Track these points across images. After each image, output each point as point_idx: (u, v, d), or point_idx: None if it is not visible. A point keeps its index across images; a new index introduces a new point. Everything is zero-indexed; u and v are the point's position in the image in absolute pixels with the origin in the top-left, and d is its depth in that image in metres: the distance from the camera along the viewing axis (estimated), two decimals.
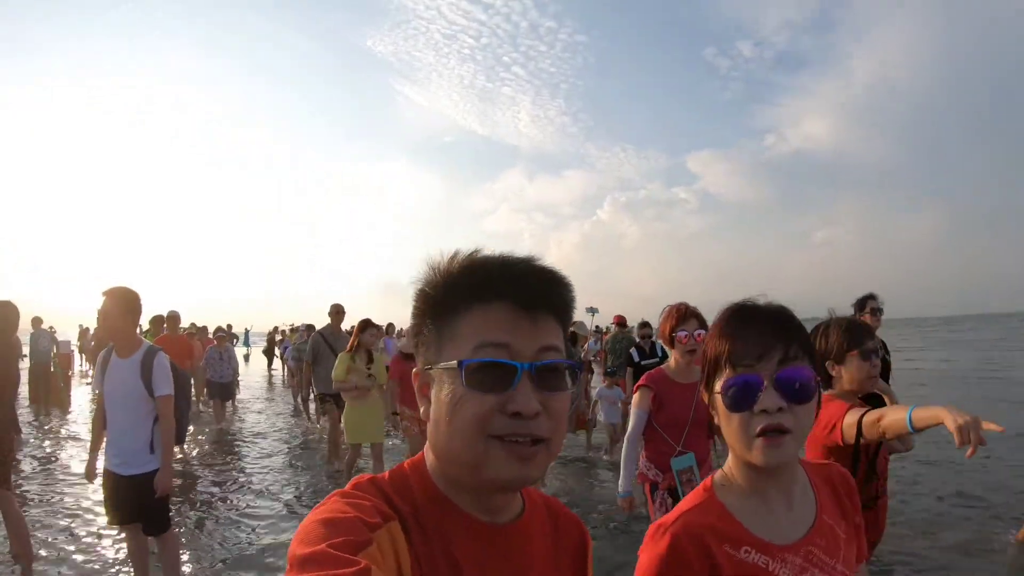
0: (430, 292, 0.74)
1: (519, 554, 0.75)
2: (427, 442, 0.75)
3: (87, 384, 14.86)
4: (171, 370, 3.28)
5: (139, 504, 3.22)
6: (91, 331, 13.91)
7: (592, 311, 10.73)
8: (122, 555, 4.06)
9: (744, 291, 1.00)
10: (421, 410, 0.75)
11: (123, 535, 3.66)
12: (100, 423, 3.35)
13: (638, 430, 3.00)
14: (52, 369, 12.24)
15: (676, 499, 2.81)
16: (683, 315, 2.92)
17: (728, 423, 0.93)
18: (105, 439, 3.32)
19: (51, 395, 11.92)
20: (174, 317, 7.85)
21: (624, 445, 3.06)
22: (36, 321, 12.98)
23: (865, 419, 2.00)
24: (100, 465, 3.39)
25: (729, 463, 1.00)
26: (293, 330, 16.28)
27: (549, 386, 0.70)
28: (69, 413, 11.09)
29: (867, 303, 4.42)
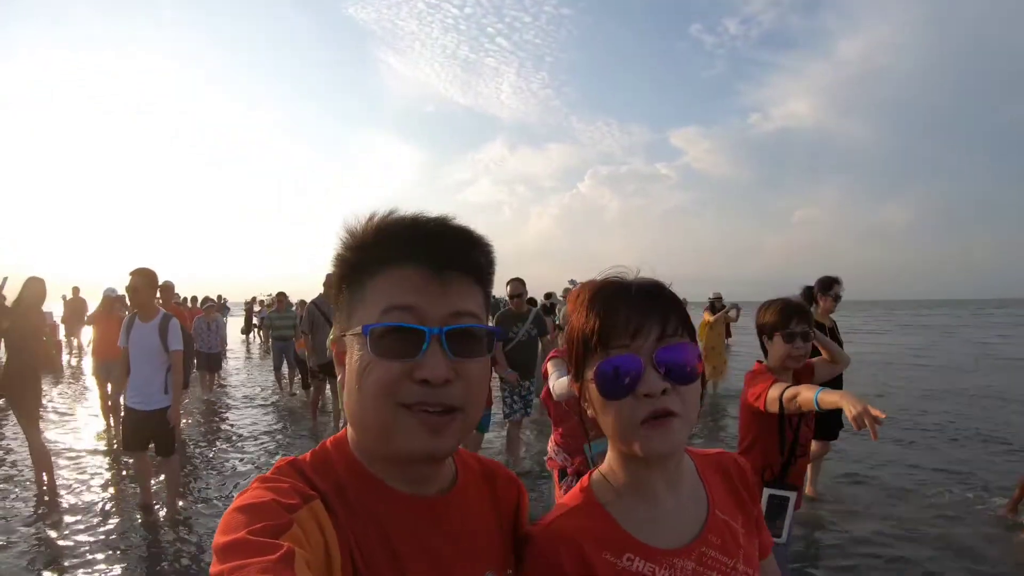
0: (345, 256, 0.71)
1: (452, 523, 0.72)
2: (345, 413, 0.72)
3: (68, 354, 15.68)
4: (180, 330, 4.38)
5: (153, 432, 4.35)
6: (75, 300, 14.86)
7: (573, 283, 11.79)
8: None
9: (724, 267, 1.15)
10: (338, 378, 0.73)
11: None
12: (124, 371, 4.43)
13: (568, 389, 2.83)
14: (43, 338, 13.08)
15: None
16: None
17: (605, 413, 0.82)
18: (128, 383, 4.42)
19: (42, 362, 12.70)
20: (168, 287, 7.82)
21: (555, 389, 3.00)
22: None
23: (784, 395, 2.30)
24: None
25: (609, 459, 0.90)
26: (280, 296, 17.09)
27: (463, 352, 0.66)
28: (61, 381, 11.88)
29: (833, 286, 4.49)
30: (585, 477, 0.93)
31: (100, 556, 3.78)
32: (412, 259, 0.67)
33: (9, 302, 5.34)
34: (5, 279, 5.12)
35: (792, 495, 2.37)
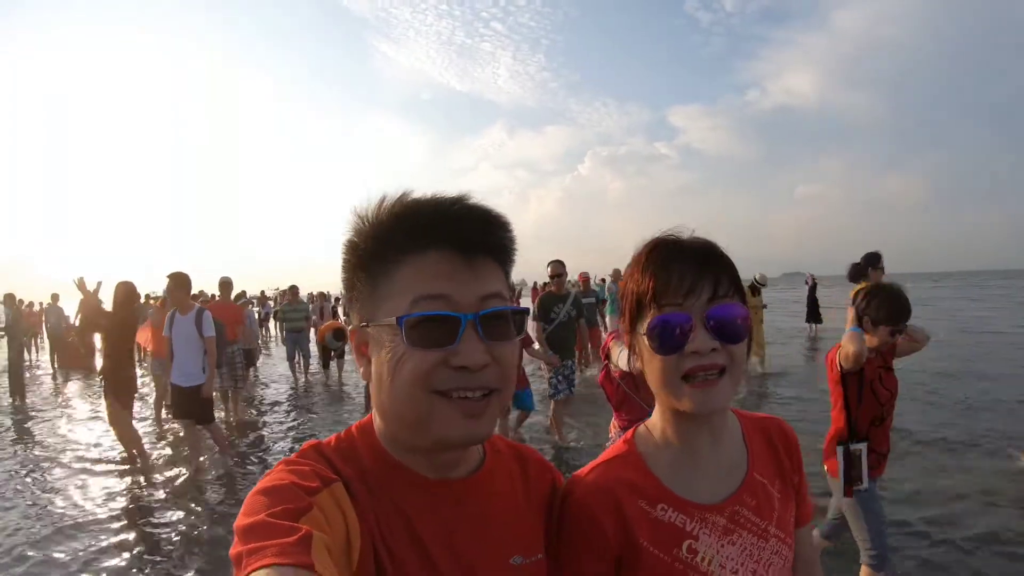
0: (360, 243, 0.70)
1: (476, 507, 0.73)
2: (372, 403, 0.73)
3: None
4: (213, 321, 5.41)
5: (194, 404, 5.38)
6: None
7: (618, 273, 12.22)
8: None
9: (729, 246, 0.88)
10: (360, 370, 0.73)
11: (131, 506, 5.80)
12: (169, 356, 5.45)
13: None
14: (70, 339, 14.13)
15: None
16: None
17: (653, 367, 0.84)
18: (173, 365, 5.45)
19: (70, 361, 13.78)
20: (226, 284, 7.82)
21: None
22: (54, 297, 14.89)
23: (840, 355, 2.72)
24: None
25: (655, 413, 0.92)
26: (282, 293, 17.24)
27: (496, 335, 0.67)
28: (90, 376, 12.64)
29: (880, 260, 4.97)
30: (631, 429, 0.95)
31: (170, 501, 4.91)
32: (438, 244, 0.66)
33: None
34: (99, 283, 5.93)
35: (862, 446, 2.72)
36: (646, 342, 0.84)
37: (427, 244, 0.67)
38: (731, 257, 0.87)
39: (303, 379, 10.84)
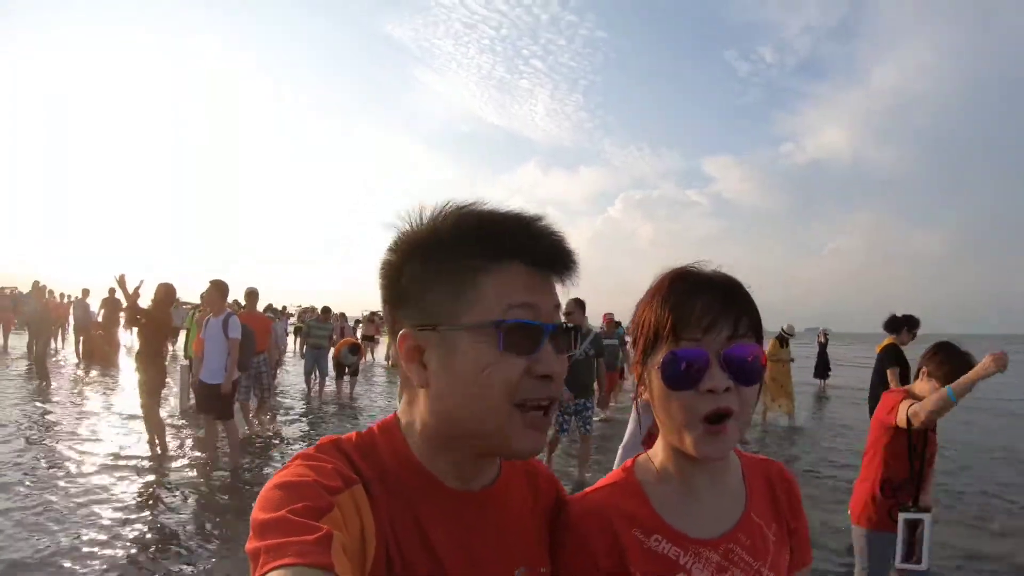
0: (429, 246, 0.69)
1: (490, 519, 0.73)
2: (408, 405, 0.73)
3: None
4: (240, 325, 5.95)
5: (215, 399, 5.83)
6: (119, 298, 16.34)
7: None
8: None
9: (755, 295, 0.85)
10: (414, 378, 0.70)
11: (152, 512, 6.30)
12: (200, 353, 5.99)
13: (636, 435, 2.63)
14: (94, 332, 14.82)
15: None
16: None
17: (665, 403, 0.81)
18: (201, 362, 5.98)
19: (94, 355, 14.36)
20: (253, 294, 7.97)
21: (619, 455, 2.76)
22: (85, 292, 15.63)
23: (910, 411, 2.55)
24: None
25: (657, 445, 0.92)
26: (304, 310, 17.57)
27: (561, 348, 0.70)
28: (112, 369, 13.30)
29: (918, 326, 5.38)
30: (631, 459, 0.95)
31: (188, 488, 5.31)
32: (522, 257, 0.68)
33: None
34: (141, 282, 6.43)
35: (927, 516, 2.52)
36: (656, 376, 0.82)
37: (512, 255, 0.68)
38: (755, 300, 0.85)
39: (317, 394, 11.12)
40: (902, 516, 2.53)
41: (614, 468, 2.46)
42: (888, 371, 5.48)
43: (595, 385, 6.28)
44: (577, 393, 5.78)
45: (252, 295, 7.91)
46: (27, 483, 5.18)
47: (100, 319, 15.97)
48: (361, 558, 0.60)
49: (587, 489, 0.92)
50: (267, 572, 0.49)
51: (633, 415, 2.75)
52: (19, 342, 16.32)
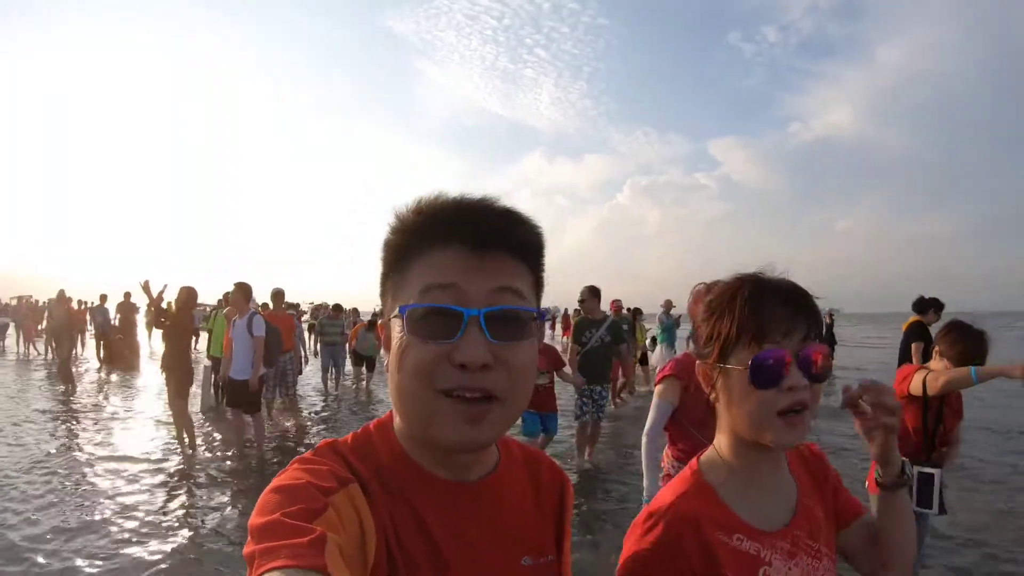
0: (389, 239, 0.70)
1: (486, 509, 0.72)
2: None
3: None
4: (264, 323, 6.22)
5: (243, 394, 6.15)
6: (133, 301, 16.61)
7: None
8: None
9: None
10: (386, 364, 0.71)
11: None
12: (229, 352, 6.28)
13: (660, 424, 2.68)
14: (114, 337, 15.18)
15: None
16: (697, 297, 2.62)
17: (746, 401, 0.89)
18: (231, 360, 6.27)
19: (115, 359, 14.75)
20: (278, 294, 8.26)
21: (644, 442, 2.72)
22: (102, 298, 15.98)
23: (927, 377, 2.64)
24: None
25: (719, 444, 0.97)
26: (316, 307, 17.55)
27: (504, 335, 0.64)
28: (133, 372, 13.61)
29: (941, 310, 5.60)
30: (694, 460, 0.99)
31: (217, 476, 5.64)
32: (453, 238, 0.65)
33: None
34: (164, 286, 6.71)
35: (937, 472, 2.70)
36: (738, 376, 0.89)
37: (444, 238, 0.66)
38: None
39: (334, 388, 11.34)
40: (916, 468, 2.73)
41: (643, 453, 2.63)
42: (912, 345, 5.81)
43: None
44: (592, 380, 5.79)
45: (278, 295, 8.24)
46: (61, 474, 5.49)
47: (117, 323, 16.23)
48: (362, 555, 0.60)
49: (663, 496, 0.95)
50: (261, 575, 0.49)
51: (656, 401, 2.71)
52: (41, 349, 16.78)
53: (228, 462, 6.12)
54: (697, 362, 0.99)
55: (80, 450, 6.53)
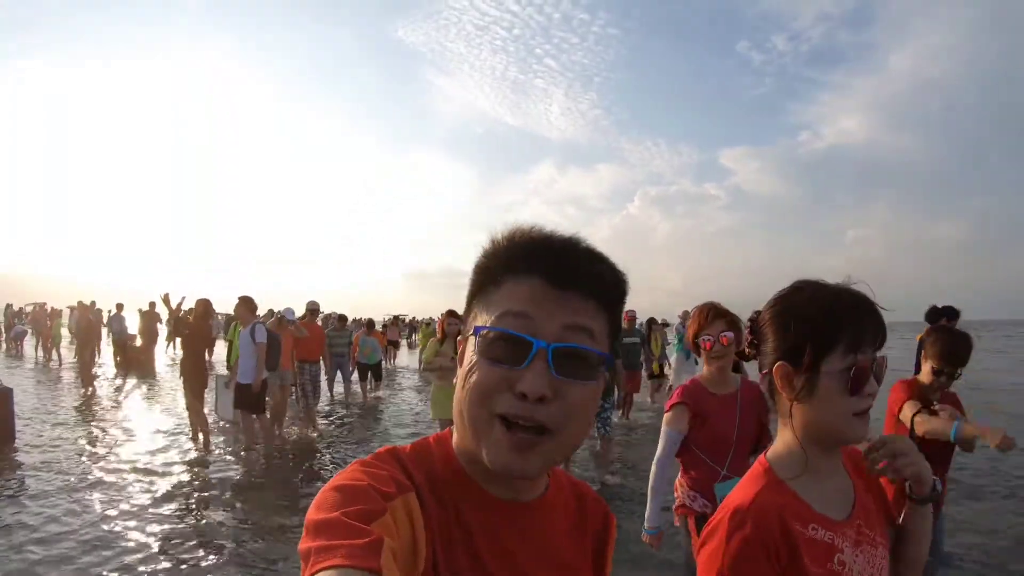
0: (481, 262, 0.73)
1: (538, 530, 0.73)
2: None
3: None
4: (265, 331, 7.01)
5: (247, 396, 6.90)
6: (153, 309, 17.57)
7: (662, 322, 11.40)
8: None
9: (773, 288, 1.00)
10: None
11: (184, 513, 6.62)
12: (236, 359, 7.12)
13: (670, 453, 2.58)
14: (132, 343, 16.21)
15: None
16: (708, 317, 2.56)
17: (835, 404, 0.95)
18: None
19: (131, 365, 15.52)
20: (314, 309, 8.67)
21: (653, 469, 2.64)
22: (119, 306, 16.96)
23: (916, 419, 2.53)
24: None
25: (784, 441, 1.03)
26: (325, 318, 17.60)
27: (569, 372, 0.65)
28: (150, 377, 14.38)
29: (956, 319, 5.25)
30: (762, 457, 1.06)
31: (231, 472, 6.41)
32: (537, 270, 0.67)
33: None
34: (183, 299, 7.45)
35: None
36: (832, 380, 0.95)
37: (527, 269, 0.67)
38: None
39: (343, 397, 11.52)
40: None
41: (651, 480, 2.57)
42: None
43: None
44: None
45: (313, 311, 8.67)
46: (83, 463, 6.27)
47: (137, 331, 16.94)
48: (412, 564, 0.60)
49: (742, 497, 0.99)
50: (316, 572, 0.49)
51: (665, 430, 2.57)
52: (64, 355, 17.63)
53: (231, 458, 6.91)
54: (778, 363, 1.02)
55: (96, 444, 7.31)
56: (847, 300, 0.98)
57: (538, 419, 0.64)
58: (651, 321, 10.94)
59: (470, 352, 0.68)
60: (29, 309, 24.07)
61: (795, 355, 0.99)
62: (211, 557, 4.16)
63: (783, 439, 1.04)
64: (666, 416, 2.64)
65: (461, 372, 0.69)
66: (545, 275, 0.67)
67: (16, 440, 7.32)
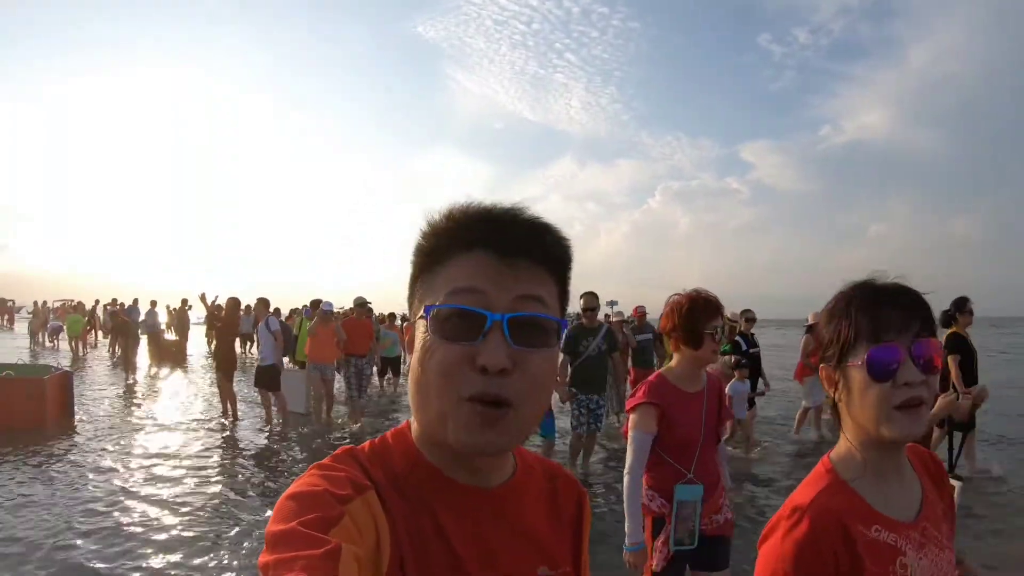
0: (420, 245, 0.71)
1: (510, 514, 0.72)
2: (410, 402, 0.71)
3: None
4: (278, 323, 8.36)
5: (266, 376, 8.21)
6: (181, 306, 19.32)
7: (612, 304, 11.75)
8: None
9: (794, 284, 1.27)
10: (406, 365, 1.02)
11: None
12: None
13: (642, 459, 2.31)
14: (164, 337, 17.87)
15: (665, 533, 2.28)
16: (716, 308, 2.32)
17: (865, 396, 0.94)
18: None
19: (163, 356, 17.19)
20: (361, 305, 8.95)
21: (626, 481, 2.34)
22: (153, 303, 18.57)
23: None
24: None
25: (847, 440, 1.02)
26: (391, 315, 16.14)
27: (526, 341, 0.64)
28: (183, 367, 16.06)
29: (967, 303, 5.38)
30: (825, 458, 1.04)
31: (254, 440, 7.74)
32: (481, 245, 0.66)
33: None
34: (216, 296, 8.78)
35: (958, 484, 2.60)
36: (858, 373, 0.95)
37: (472, 244, 0.67)
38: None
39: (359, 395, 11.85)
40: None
41: (625, 495, 2.31)
42: (949, 357, 5.47)
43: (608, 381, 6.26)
44: (588, 390, 5.70)
45: (360, 306, 9.02)
46: (129, 433, 7.65)
47: (165, 325, 18.38)
48: (376, 565, 0.60)
49: (804, 496, 0.98)
50: None
51: (632, 435, 2.34)
52: (97, 351, 19.20)
53: (254, 429, 8.21)
54: (821, 365, 1.04)
55: (138, 418, 8.73)
56: (866, 291, 0.99)
57: (501, 393, 0.63)
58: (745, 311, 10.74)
59: (421, 334, 0.67)
60: (58, 306, 25.62)
61: (829, 355, 1.02)
62: (234, 528, 4.65)
63: (844, 439, 1.04)
64: (632, 418, 2.37)
65: (415, 357, 0.67)
66: (490, 247, 0.66)
67: (76, 415, 8.71)
